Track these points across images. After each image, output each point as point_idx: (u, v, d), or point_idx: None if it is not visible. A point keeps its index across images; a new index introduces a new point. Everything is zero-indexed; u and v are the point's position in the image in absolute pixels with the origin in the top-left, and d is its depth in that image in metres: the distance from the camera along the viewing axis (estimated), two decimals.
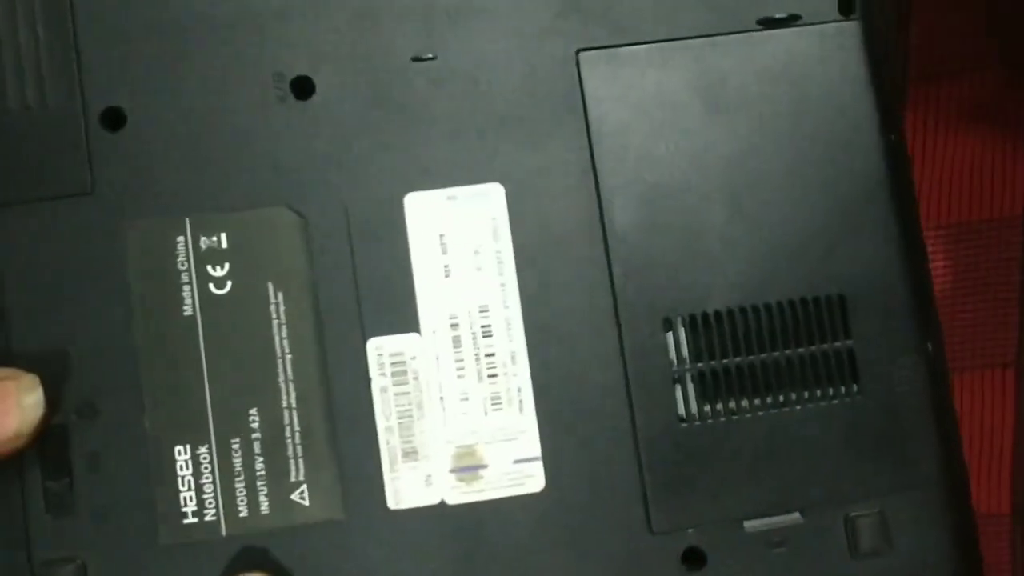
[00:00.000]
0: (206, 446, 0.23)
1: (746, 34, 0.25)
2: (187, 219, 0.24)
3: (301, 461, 0.23)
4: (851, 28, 0.26)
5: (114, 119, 0.24)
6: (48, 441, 0.23)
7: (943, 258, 0.42)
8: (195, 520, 0.23)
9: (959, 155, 0.42)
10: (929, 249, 0.39)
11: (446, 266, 0.24)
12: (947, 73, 0.42)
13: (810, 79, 0.25)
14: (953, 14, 0.41)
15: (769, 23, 0.25)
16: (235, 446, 0.23)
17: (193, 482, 0.23)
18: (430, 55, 0.24)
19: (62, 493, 0.23)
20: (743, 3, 0.25)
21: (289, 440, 0.23)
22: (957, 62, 0.42)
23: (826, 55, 0.25)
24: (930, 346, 0.25)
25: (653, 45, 0.25)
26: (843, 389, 0.25)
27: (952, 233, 0.42)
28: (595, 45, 0.25)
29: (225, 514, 0.23)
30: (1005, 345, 0.42)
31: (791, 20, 0.25)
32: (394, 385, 0.24)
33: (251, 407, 0.23)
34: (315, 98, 0.24)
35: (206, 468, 0.23)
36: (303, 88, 0.24)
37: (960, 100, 0.42)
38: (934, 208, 0.42)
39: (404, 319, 0.24)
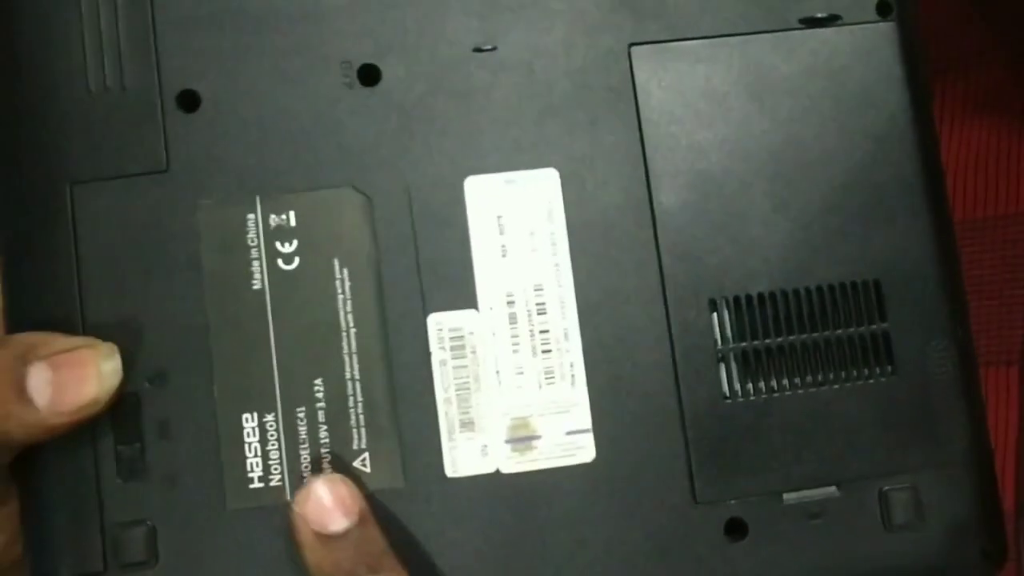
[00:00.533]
0: (272, 414, 0.24)
1: (789, 32, 0.27)
2: (257, 197, 0.25)
3: (363, 430, 0.24)
4: (888, 29, 0.27)
5: (190, 101, 0.25)
6: (120, 408, 0.24)
7: None
8: (261, 485, 0.24)
9: (963, 151, 0.42)
10: None
11: (503, 246, 0.25)
12: (951, 68, 0.41)
13: (848, 75, 0.27)
14: (957, 8, 0.41)
15: (810, 22, 0.27)
16: (300, 415, 0.24)
17: (260, 449, 0.24)
18: (490, 46, 0.26)
19: (133, 458, 0.24)
20: (786, 2, 0.27)
21: (352, 410, 0.24)
22: (962, 57, 0.41)
23: (864, 53, 0.27)
24: (960, 330, 0.26)
25: (701, 41, 0.26)
26: (878, 370, 0.26)
27: (957, 230, 0.42)
28: (646, 40, 0.26)
29: (290, 480, 0.24)
30: (1010, 343, 0.41)
31: (831, 20, 0.27)
32: (453, 359, 0.25)
33: (316, 378, 0.24)
34: (381, 85, 0.25)
35: (272, 435, 0.24)
36: (370, 75, 0.25)
37: (965, 96, 0.42)
38: None
39: (463, 296, 0.25)
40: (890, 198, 0.26)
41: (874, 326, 0.26)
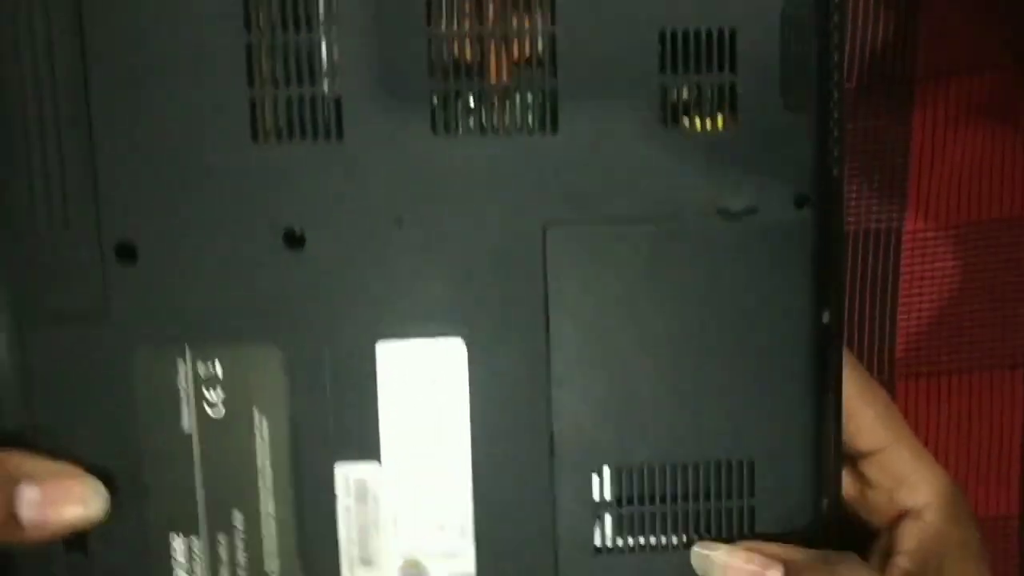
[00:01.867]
0: (196, 537, 0.28)
1: (704, 220, 0.27)
2: (187, 345, 0.27)
3: (275, 559, 0.28)
4: (803, 220, 0.28)
5: (127, 253, 0.27)
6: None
7: (951, 258, 0.42)
8: None
9: (968, 154, 0.42)
10: (937, 249, 0.41)
11: (408, 406, 0.28)
12: (956, 71, 0.41)
13: (757, 266, 0.28)
14: (962, 12, 0.40)
15: (727, 214, 0.27)
16: (221, 540, 0.28)
17: (185, 564, 0.28)
18: (411, 219, 0.27)
19: (79, 563, 0.28)
20: (704, 192, 0.27)
21: (265, 539, 0.28)
22: (966, 60, 0.41)
23: (776, 244, 0.28)
24: (825, 502, 0.29)
25: (613, 226, 0.27)
26: (743, 537, 0.29)
27: (960, 233, 0.42)
28: (561, 221, 0.27)
29: None
30: (1014, 346, 0.42)
31: (748, 212, 0.27)
32: (356, 504, 0.28)
33: (235, 509, 0.28)
34: (305, 250, 0.27)
35: (197, 555, 0.28)
36: (295, 240, 0.27)
37: (969, 98, 0.41)
38: (943, 208, 0.42)
39: (368, 449, 0.28)
40: (778, 387, 0.28)
41: (742, 500, 0.28)
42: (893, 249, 0.43)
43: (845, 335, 0.30)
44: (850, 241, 0.43)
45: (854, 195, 0.43)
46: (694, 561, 0.28)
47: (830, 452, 0.29)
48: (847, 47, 0.41)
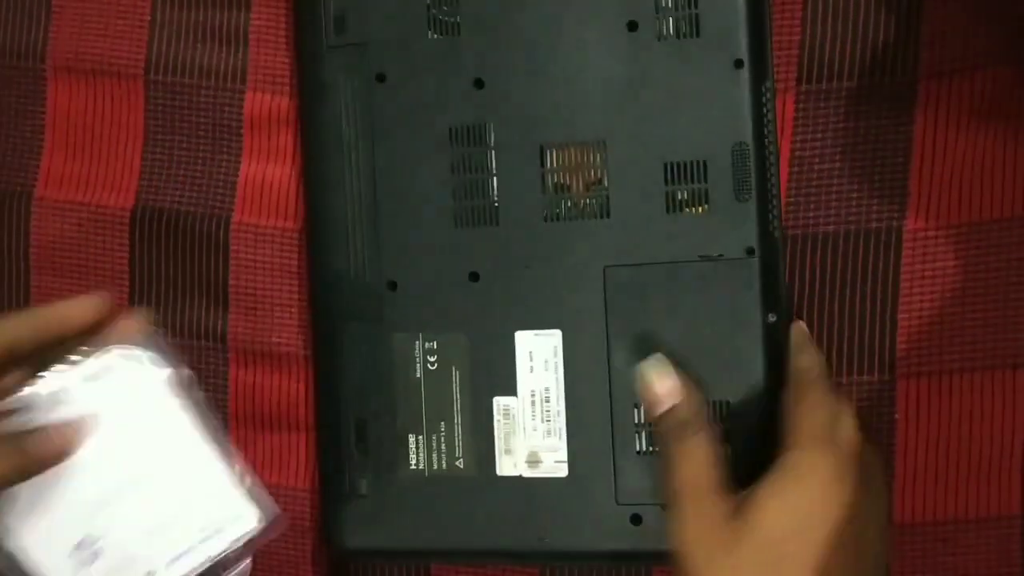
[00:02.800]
0: (422, 436, 0.53)
1: (694, 263, 0.49)
2: (420, 334, 0.53)
3: (461, 447, 0.52)
4: (751, 264, 0.49)
5: (392, 286, 0.53)
6: (360, 428, 0.53)
7: (952, 258, 0.43)
8: (415, 467, 0.53)
9: (970, 154, 0.42)
10: (938, 249, 0.44)
11: (531, 366, 0.51)
12: (957, 71, 0.41)
13: (726, 288, 0.49)
14: (963, 11, 0.41)
15: (706, 258, 0.49)
16: (433, 439, 0.53)
17: (415, 450, 0.53)
18: (535, 266, 0.51)
19: (364, 453, 0.53)
20: (693, 246, 0.49)
21: (456, 437, 0.52)
22: (967, 60, 0.41)
23: (736, 276, 0.49)
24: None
25: (641, 266, 0.50)
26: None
27: (962, 233, 0.43)
28: (613, 265, 0.50)
29: (427, 467, 0.52)
30: (1015, 345, 0.42)
31: (719, 257, 0.49)
32: (503, 419, 0.52)
33: (440, 421, 0.52)
34: (480, 283, 0.51)
35: (421, 445, 0.53)
36: (475, 277, 0.52)
37: (971, 98, 0.42)
38: (944, 208, 0.42)
39: (511, 389, 0.51)
40: (743, 356, 0.48)
41: (719, 426, 0.49)
42: (894, 249, 0.44)
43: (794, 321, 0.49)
44: (851, 241, 0.45)
45: (855, 195, 0.44)
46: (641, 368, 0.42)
47: (773, 396, 0.49)
48: (848, 47, 0.44)
